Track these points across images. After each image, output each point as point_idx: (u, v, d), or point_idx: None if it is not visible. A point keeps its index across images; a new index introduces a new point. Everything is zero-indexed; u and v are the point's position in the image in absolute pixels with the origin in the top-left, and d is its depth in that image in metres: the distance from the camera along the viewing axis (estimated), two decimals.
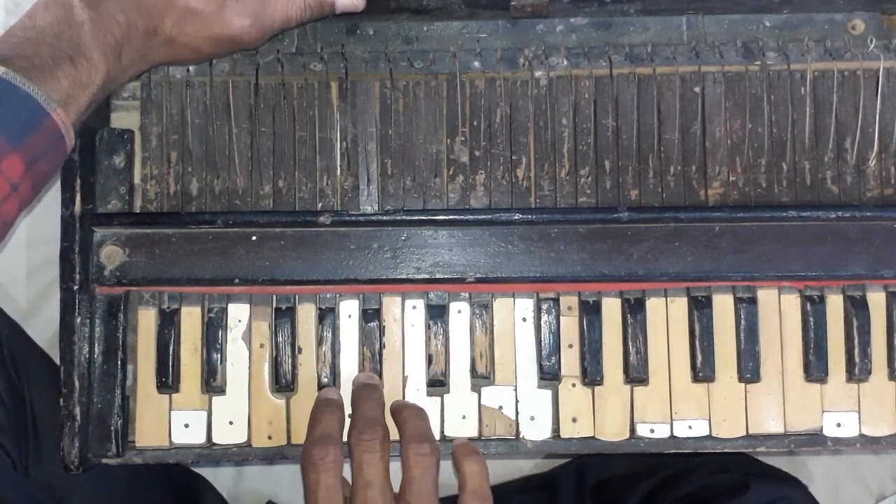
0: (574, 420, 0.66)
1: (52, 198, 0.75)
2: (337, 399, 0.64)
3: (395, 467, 0.59)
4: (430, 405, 0.66)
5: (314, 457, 0.57)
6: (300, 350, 0.67)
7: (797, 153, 0.68)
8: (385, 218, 0.67)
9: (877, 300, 0.67)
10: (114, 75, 0.60)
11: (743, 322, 0.66)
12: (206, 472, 0.89)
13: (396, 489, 0.59)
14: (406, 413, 0.62)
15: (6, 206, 0.55)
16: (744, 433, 0.66)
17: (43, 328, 0.80)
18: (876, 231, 0.66)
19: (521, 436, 0.67)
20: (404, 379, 0.67)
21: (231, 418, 0.66)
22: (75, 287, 0.66)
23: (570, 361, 0.67)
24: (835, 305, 0.67)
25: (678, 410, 0.66)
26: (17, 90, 0.54)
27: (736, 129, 0.68)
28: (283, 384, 0.66)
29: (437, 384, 0.66)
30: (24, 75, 0.54)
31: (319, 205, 0.68)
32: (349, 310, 0.67)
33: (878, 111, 0.68)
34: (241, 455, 0.67)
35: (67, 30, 0.57)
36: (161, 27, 0.61)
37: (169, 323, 0.66)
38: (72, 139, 0.58)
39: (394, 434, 0.62)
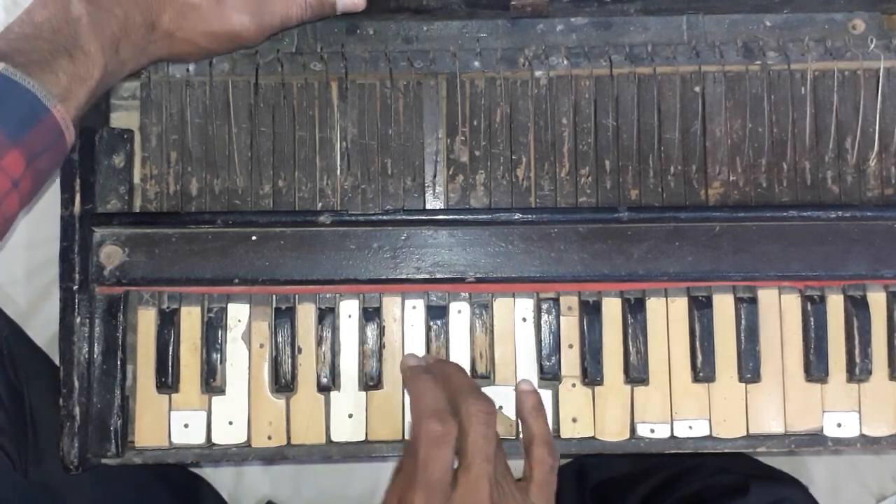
0: (574, 420, 0.66)
1: (52, 198, 0.75)
2: (425, 365, 0.64)
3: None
4: None
5: (438, 431, 0.56)
6: (300, 350, 0.67)
7: (797, 153, 0.68)
8: (385, 218, 0.67)
9: (877, 300, 0.67)
10: (112, 70, 0.60)
11: (743, 322, 0.66)
12: (206, 472, 0.89)
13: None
14: (537, 422, 0.64)
15: (7, 202, 0.55)
16: (744, 433, 0.66)
17: (43, 328, 0.80)
18: (876, 231, 0.66)
19: (521, 436, 0.66)
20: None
21: (231, 418, 0.66)
22: (75, 287, 0.66)
23: (570, 361, 0.67)
24: (835, 305, 0.67)
25: (678, 410, 0.66)
26: (17, 86, 0.54)
27: (736, 128, 0.68)
28: (283, 384, 0.66)
29: None
30: (24, 71, 0.54)
31: (319, 205, 0.68)
32: (349, 310, 0.67)
33: (878, 111, 0.68)
34: (240, 455, 0.67)
35: (65, 25, 0.57)
36: (159, 21, 0.61)
37: (169, 323, 0.66)
38: (72, 135, 0.58)
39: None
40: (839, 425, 0.66)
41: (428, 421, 0.57)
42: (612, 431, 0.66)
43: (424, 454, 0.56)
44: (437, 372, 0.62)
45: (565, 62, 0.68)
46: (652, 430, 0.66)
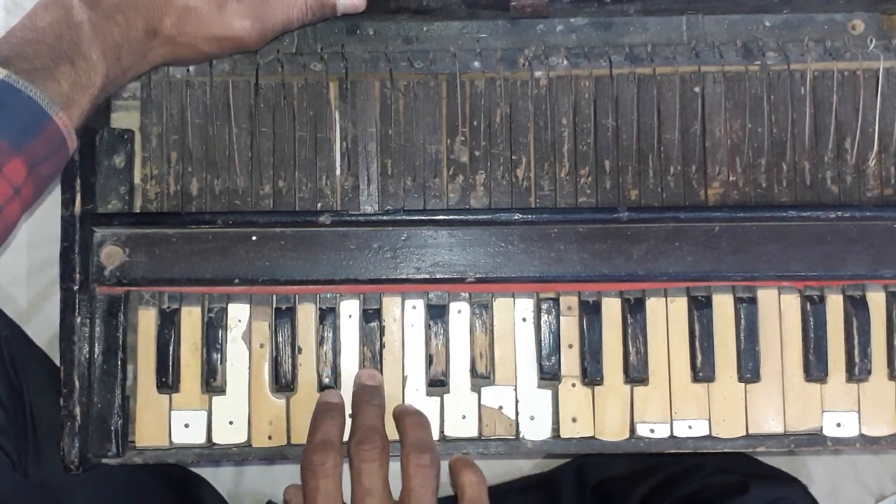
0: (574, 420, 0.66)
1: (52, 198, 0.75)
2: (338, 402, 0.64)
3: (395, 469, 0.59)
4: (430, 405, 0.66)
5: (314, 463, 0.58)
6: (300, 350, 0.67)
7: (797, 153, 0.68)
8: (385, 218, 0.67)
9: (877, 300, 0.67)
10: (114, 77, 0.60)
11: (743, 322, 0.66)
12: (206, 472, 0.89)
13: (396, 495, 0.59)
14: (408, 421, 0.62)
15: (8, 209, 0.55)
16: (744, 433, 0.66)
17: (43, 328, 0.80)
18: (876, 231, 0.66)
19: (521, 436, 0.67)
20: (404, 379, 0.67)
21: (231, 418, 0.66)
22: (75, 287, 0.66)
23: (570, 361, 0.67)
24: (835, 305, 0.67)
25: (678, 410, 0.66)
26: (19, 94, 0.54)
27: (736, 129, 0.68)
28: (283, 384, 0.66)
29: (438, 384, 0.66)
30: (26, 77, 0.54)
31: (319, 205, 0.68)
32: (349, 310, 0.67)
33: (878, 111, 0.68)
34: (241, 455, 0.67)
35: (67, 31, 0.57)
36: (160, 27, 0.61)
37: (169, 323, 0.66)
38: (74, 142, 0.58)
39: (394, 435, 0.62)
40: (838, 425, 0.66)
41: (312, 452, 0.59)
42: (612, 431, 0.66)
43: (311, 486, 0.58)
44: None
45: (565, 62, 0.69)
46: (652, 430, 0.66)
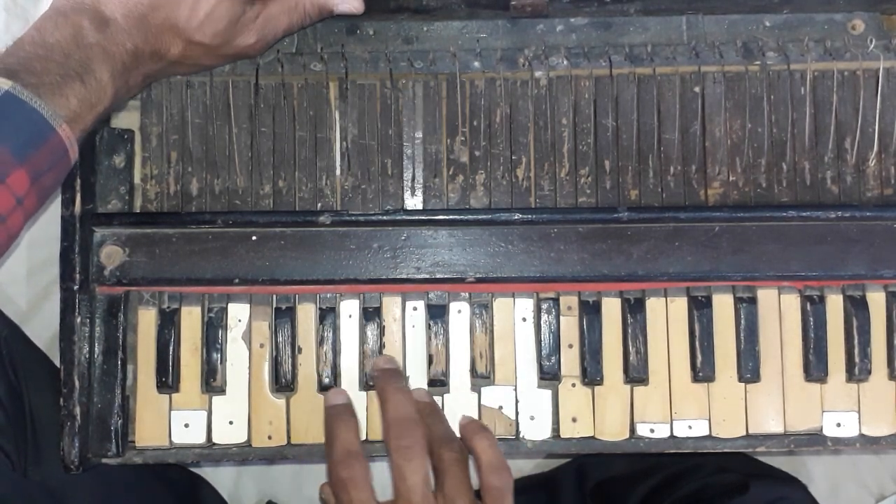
0: (574, 420, 0.66)
1: (53, 198, 0.75)
2: (346, 403, 0.63)
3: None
4: None
5: (343, 478, 0.58)
6: (300, 350, 0.67)
7: (797, 153, 0.68)
8: (385, 218, 0.67)
9: (877, 300, 0.67)
10: (120, 95, 0.61)
11: (743, 322, 0.66)
12: (206, 472, 0.89)
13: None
14: (480, 443, 0.62)
15: (11, 219, 0.55)
16: (744, 433, 0.66)
17: (43, 328, 0.80)
18: (876, 231, 0.66)
19: (521, 436, 0.67)
20: (405, 379, 0.67)
21: (231, 418, 0.66)
22: (75, 287, 0.66)
23: (570, 361, 0.67)
24: (835, 305, 0.67)
25: (678, 410, 0.66)
26: (23, 105, 0.55)
27: (736, 129, 0.68)
28: (284, 384, 0.66)
29: (438, 384, 0.66)
30: (33, 90, 0.55)
31: (319, 205, 0.68)
32: (349, 310, 0.67)
33: (878, 111, 0.68)
34: (241, 455, 0.67)
35: (76, 50, 0.58)
36: (167, 54, 0.62)
37: (169, 323, 0.66)
38: (76, 153, 0.58)
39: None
40: (838, 425, 0.66)
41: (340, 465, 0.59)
42: (612, 431, 0.66)
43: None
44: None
45: (565, 62, 0.69)
46: (651, 430, 0.66)
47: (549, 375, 0.66)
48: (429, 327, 0.67)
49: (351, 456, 0.59)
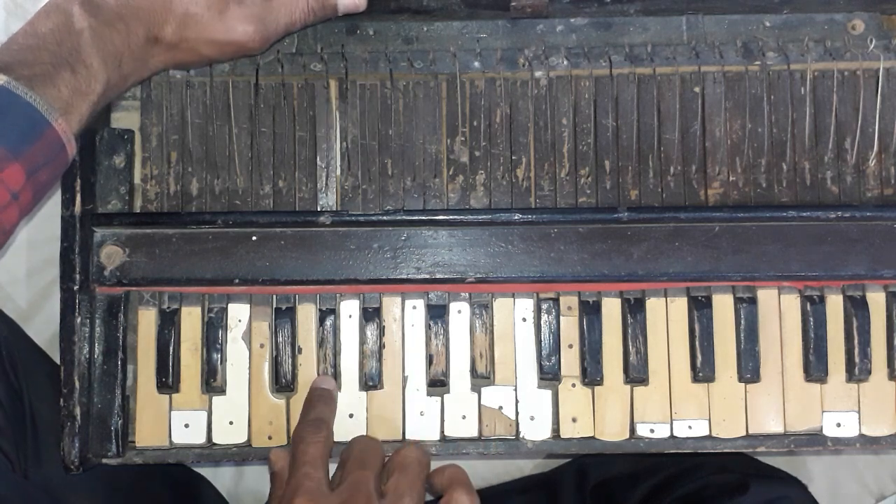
0: (574, 420, 0.66)
1: (52, 199, 0.75)
2: (331, 389, 0.65)
3: None
4: (430, 405, 0.66)
5: (308, 432, 0.59)
6: (300, 350, 0.67)
7: (797, 153, 0.68)
8: (385, 218, 0.67)
9: (877, 300, 0.67)
10: (114, 83, 0.60)
11: (743, 322, 0.66)
12: (206, 472, 0.89)
13: None
14: (461, 500, 0.58)
15: (6, 214, 0.55)
16: (744, 433, 0.66)
17: (43, 328, 0.80)
18: (876, 231, 0.66)
19: (521, 436, 0.67)
20: (404, 379, 0.67)
21: (231, 418, 0.66)
22: (75, 287, 0.66)
23: (570, 361, 0.67)
24: (835, 305, 0.67)
25: (678, 410, 0.66)
26: (18, 99, 0.54)
27: (736, 129, 0.68)
28: (284, 384, 0.66)
29: (438, 384, 0.66)
30: (26, 83, 0.55)
31: (319, 205, 0.68)
32: (349, 310, 0.67)
33: (878, 111, 0.68)
34: (241, 455, 0.67)
35: (67, 37, 0.57)
36: (162, 34, 0.61)
37: (169, 323, 0.66)
38: (73, 148, 0.58)
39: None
40: (838, 425, 0.66)
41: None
42: (612, 431, 0.66)
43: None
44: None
45: (565, 62, 0.69)
46: (652, 430, 0.66)
47: (549, 375, 0.66)
48: (429, 327, 0.67)
49: (321, 423, 0.61)
